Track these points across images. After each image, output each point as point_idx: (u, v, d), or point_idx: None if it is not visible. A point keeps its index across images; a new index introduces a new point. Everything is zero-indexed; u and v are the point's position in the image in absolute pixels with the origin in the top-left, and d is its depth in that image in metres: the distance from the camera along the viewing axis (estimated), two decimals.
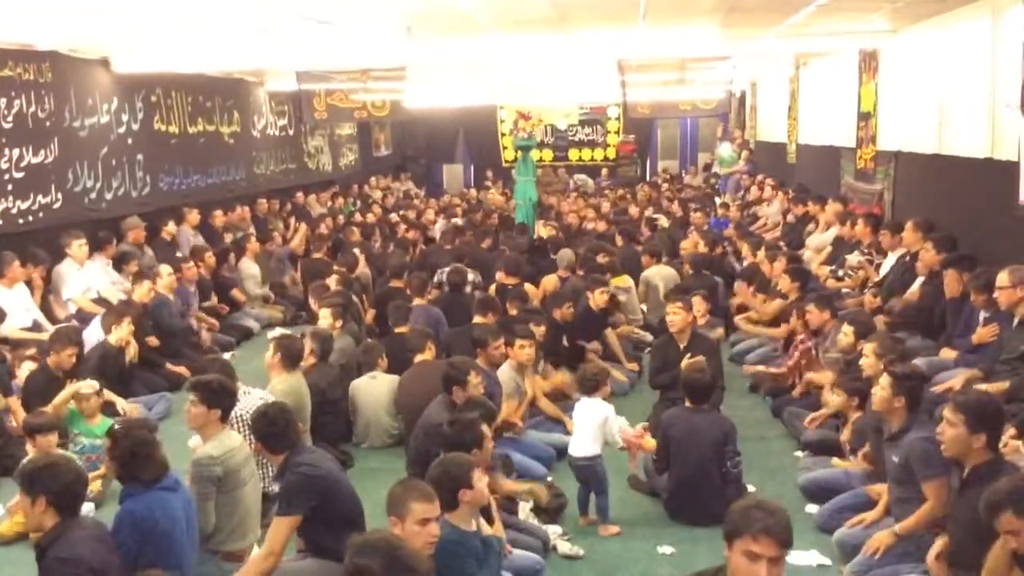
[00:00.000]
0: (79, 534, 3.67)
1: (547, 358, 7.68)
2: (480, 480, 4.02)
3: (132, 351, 7.62)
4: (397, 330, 7.66)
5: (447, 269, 9.69)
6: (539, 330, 7.22)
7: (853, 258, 9.40)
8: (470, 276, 9.77)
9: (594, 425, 5.55)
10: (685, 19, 8.19)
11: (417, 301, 8.41)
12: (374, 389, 6.95)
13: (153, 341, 8.33)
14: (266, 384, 6.14)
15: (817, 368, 7.07)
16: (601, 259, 9.87)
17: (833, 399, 6.19)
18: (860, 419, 5.77)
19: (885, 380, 4.86)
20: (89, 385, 6.31)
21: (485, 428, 4.78)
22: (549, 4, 7.15)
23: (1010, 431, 5.11)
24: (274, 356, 6.12)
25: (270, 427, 4.53)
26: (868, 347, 5.75)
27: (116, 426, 4.73)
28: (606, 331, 8.47)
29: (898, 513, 4.80)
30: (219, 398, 4.74)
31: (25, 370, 6.96)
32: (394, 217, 15.29)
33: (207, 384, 4.78)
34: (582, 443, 5.56)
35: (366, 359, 7.16)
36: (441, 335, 7.85)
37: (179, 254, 10.59)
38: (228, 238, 12.06)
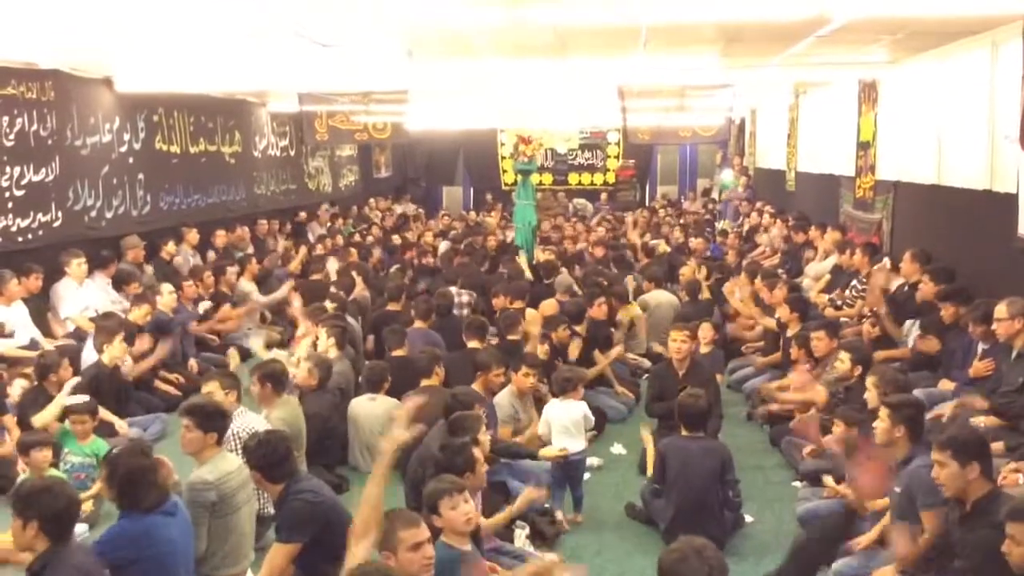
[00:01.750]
0: (68, 565, 3.62)
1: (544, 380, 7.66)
2: (452, 508, 4.00)
3: (130, 366, 7.57)
4: (394, 353, 7.63)
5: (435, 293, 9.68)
6: (543, 348, 7.48)
7: (849, 291, 9.42)
8: (456, 298, 9.77)
9: (577, 422, 5.93)
10: (685, 48, 8.22)
11: (418, 324, 8.39)
12: (372, 411, 6.90)
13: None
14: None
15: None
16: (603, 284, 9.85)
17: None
18: None
19: (883, 412, 4.85)
20: (84, 405, 6.26)
21: (478, 452, 4.77)
22: (550, 31, 7.18)
23: (1010, 464, 5.09)
24: (263, 388, 5.94)
25: (271, 455, 4.45)
26: (869, 380, 5.74)
27: (114, 451, 4.60)
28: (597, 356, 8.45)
29: None
30: (213, 421, 4.68)
31: (17, 387, 6.93)
32: (396, 239, 15.28)
33: (201, 408, 4.72)
34: (571, 440, 5.88)
35: (372, 378, 7.03)
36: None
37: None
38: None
